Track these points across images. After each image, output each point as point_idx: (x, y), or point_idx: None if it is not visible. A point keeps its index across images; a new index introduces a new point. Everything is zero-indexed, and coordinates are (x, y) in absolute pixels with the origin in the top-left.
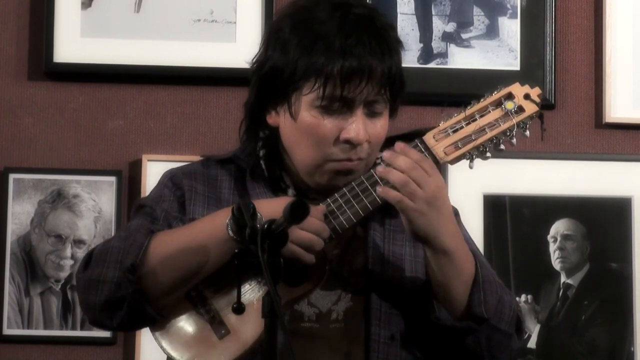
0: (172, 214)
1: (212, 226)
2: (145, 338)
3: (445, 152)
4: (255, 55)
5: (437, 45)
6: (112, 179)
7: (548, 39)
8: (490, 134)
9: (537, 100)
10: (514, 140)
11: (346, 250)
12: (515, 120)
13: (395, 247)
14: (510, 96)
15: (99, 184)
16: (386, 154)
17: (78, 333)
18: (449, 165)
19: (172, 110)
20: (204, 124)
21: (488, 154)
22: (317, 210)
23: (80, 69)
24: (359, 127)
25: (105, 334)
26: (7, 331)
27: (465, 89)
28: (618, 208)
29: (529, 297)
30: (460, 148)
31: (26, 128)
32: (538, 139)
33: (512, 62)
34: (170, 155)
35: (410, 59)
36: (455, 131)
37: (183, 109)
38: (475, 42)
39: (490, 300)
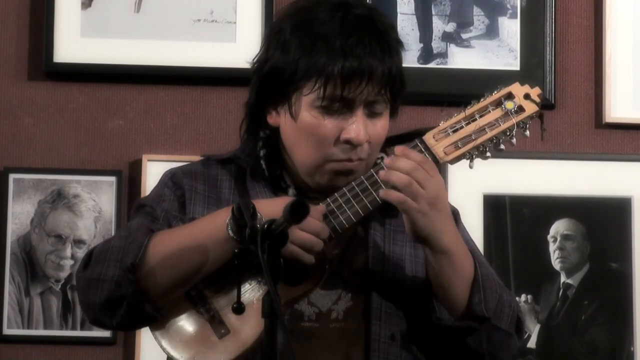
0: (172, 214)
1: (212, 226)
2: (145, 338)
3: (445, 152)
4: (256, 55)
5: (437, 45)
6: (112, 179)
7: (548, 39)
8: (490, 133)
9: (537, 100)
10: (514, 140)
11: (347, 249)
12: (515, 120)
13: (396, 247)
14: (510, 96)
15: (99, 184)
16: (387, 160)
17: (78, 333)
18: (449, 165)
19: (172, 110)
20: (204, 124)
21: (488, 154)
22: (316, 210)
23: (80, 69)
24: (360, 127)
25: (105, 333)
26: (7, 331)
27: (465, 89)
28: (618, 208)
29: (529, 297)
30: (460, 148)
31: (26, 128)
32: (538, 139)
33: (512, 62)
34: (170, 155)
35: (410, 59)
36: (455, 131)
37: (183, 109)
38: (475, 42)
39: (490, 299)
